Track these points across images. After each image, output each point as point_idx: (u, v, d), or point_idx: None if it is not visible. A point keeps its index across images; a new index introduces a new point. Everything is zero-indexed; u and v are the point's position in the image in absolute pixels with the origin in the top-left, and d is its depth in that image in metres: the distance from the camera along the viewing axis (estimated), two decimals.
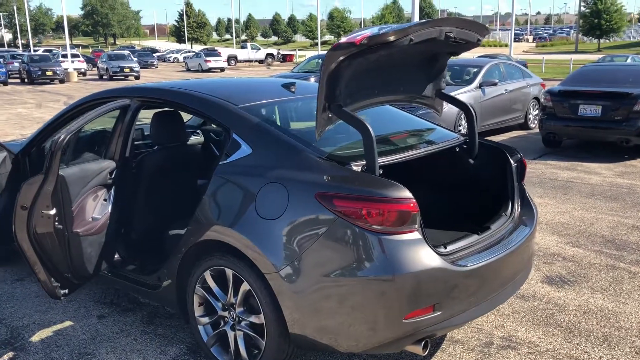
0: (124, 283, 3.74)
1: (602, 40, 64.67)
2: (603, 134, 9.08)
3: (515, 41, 74.22)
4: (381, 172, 2.89)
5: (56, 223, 3.13)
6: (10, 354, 3.50)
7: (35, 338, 3.68)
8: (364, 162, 2.87)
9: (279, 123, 3.51)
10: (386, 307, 2.68)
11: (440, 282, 2.75)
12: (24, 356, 3.47)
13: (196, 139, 5.16)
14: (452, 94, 10.69)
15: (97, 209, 3.47)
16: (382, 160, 2.98)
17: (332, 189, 2.75)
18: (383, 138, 3.40)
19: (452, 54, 3.58)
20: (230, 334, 3.16)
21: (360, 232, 2.67)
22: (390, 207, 2.67)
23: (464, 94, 10.69)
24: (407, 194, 2.71)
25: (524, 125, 12.29)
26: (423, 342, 2.81)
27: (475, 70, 11.55)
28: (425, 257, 2.71)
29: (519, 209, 3.55)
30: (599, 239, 5.43)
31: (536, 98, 12.43)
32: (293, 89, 3.81)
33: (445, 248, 2.92)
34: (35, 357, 3.46)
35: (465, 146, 3.69)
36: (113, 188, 3.60)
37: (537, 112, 12.48)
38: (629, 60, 23.45)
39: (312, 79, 13.38)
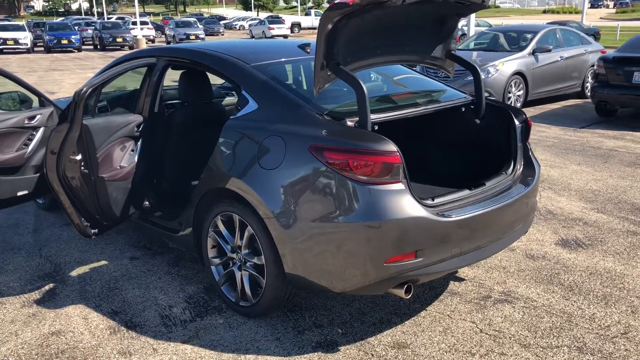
0: (151, 228, 4.10)
1: None
2: None
3: (593, 7, 70.46)
4: (376, 128, 3.07)
5: (82, 168, 3.50)
6: (52, 284, 3.96)
7: (74, 273, 4.13)
8: (357, 118, 3.05)
9: (286, 81, 3.72)
10: (371, 250, 2.89)
11: (423, 230, 2.92)
12: (62, 287, 3.92)
13: (231, 99, 5.45)
14: (502, 60, 10.65)
15: (124, 158, 3.82)
16: (379, 116, 3.15)
17: (324, 141, 2.95)
18: (385, 96, 3.55)
19: (459, 15, 3.66)
20: (238, 274, 3.46)
21: (347, 182, 2.87)
22: (375, 159, 2.86)
23: (515, 60, 10.50)
24: (391, 147, 2.88)
25: (581, 94, 11.93)
26: (406, 286, 3.01)
27: (529, 36, 11.28)
28: (409, 207, 2.89)
29: (521, 168, 3.64)
30: (628, 206, 5.38)
31: (594, 66, 11.99)
32: (308, 50, 4.00)
33: (433, 200, 3.08)
34: (72, 289, 3.89)
35: (472, 106, 3.79)
36: (140, 140, 3.94)
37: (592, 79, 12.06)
38: None
39: None
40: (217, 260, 3.60)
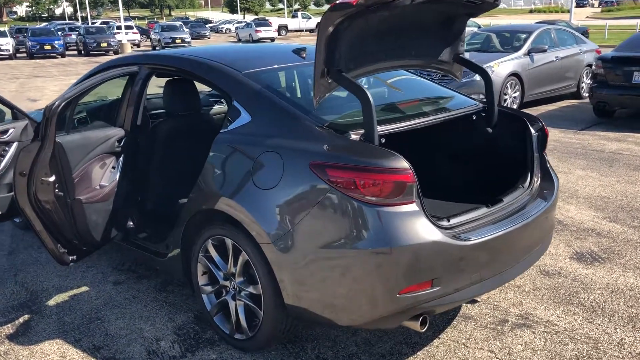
0: (136, 251, 3.76)
1: None
2: None
3: (579, 6, 70.78)
4: (383, 141, 2.76)
5: (56, 190, 3.15)
6: (27, 316, 3.60)
7: (52, 302, 3.77)
8: (363, 131, 2.74)
9: (282, 90, 3.40)
10: (381, 280, 2.57)
11: (440, 256, 2.61)
12: (38, 319, 3.57)
13: (220, 107, 5.11)
14: (498, 61, 10.39)
15: (105, 176, 3.48)
16: (386, 129, 2.84)
17: (327, 158, 2.64)
18: (391, 105, 3.25)
19: (469, 16, 3.36)
20: (232, 304, 3.14)
21: (354, 203, 2.56)
22: (385, 178, 2.55)
23: (511, 61, 10.25)
24: (403, 163, 2.57)
25: (577, 94, 11.71)
26: (421, 318, 2.70)
27: (524, 36, 11.04)
28: (423, 230, 2.58)
29: (539, 181, 3.35)
30: None
31: (590, 65, 11.78)
32: (304, 55, 3.68)
33: (449, 221, 2.77)
34: (49, 320, 3.54)
35: (483, 114, 3.49)
36: (122, 156, 3.60)
37: (590, 80, 11.85)
38: None
39: None
40: (208, 288, 3.27)
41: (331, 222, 2.61)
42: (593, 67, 9.64)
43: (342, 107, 3.25)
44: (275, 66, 3.44)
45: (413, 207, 2.59)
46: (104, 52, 32.24)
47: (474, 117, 3.47)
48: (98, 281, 4.05)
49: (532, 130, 3.34)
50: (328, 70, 2.78)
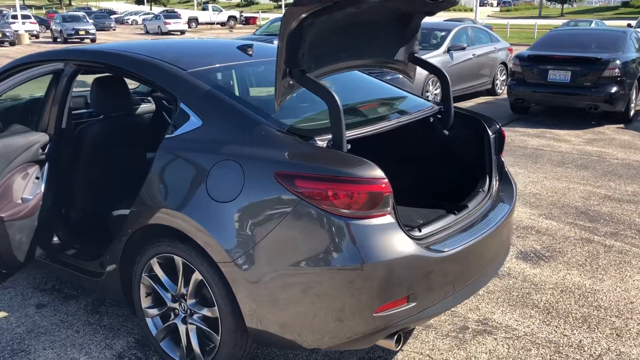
0: (64, 270, 3.35)
1: (565, 5, 64.97)
2: (572, 100, 8.91)
3: (479, 5, 74.06)
4: (349, 147, 2.56)
5: None
6: None
7: None
8: (330, 137, 2.53)
9: (233, 91, 3.13)
10: (355, 299, 2.38)
11: (415, 270, 2.45)
12: None
13: (147, 107, 4.72)
14: None
15: (27, 188, 3.06)
16: (350, 134, 2.64)
17: (294, 167, 2.40)
18: (351, 108, 3.06)
19: (427, 14, 3.22)
20: (182, 328, 2.83)
21: (326, 216, 2.34)
22: (359, 189, 2.35)
23: (432, 58, 10.37)
24: (378, 172, 2.38)
25: (492, 91, 12.09)
26: (396, 336, 2.53)
27: (442, 34, 11.21)
28: (399, 244, 2.41)
29: (497, 184, 3.28)
30: (572, 210, 5.25)
31: (504, 63, 12.22)
32: (250, 52, 3.41)
33: (420, 231, 2.62)
34: None
35: (439, 116, 3.38)
36: (47, 164, 3.18)
37: (504, 77, 12.29)
38: (592, 25, 23.48)
39: (276, 42, 12.87)
40: (154, 311, 2.94)
41: (300, 237, 2.38)
42: (510, 65, 9.96)
43: (298, 109, 3.02)
44: (223, 64, 3.14)
45: (388, 219, 2.42)
46: None
47: (431, 119, 3.35)
48: (18, 305, 3.58)
49: (490, 132, 3.26)
50: (290, 70, 2.54)
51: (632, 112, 9.20)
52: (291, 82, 2.57)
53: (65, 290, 3.76)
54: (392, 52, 3.28)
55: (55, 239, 3.45)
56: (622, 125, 9.02)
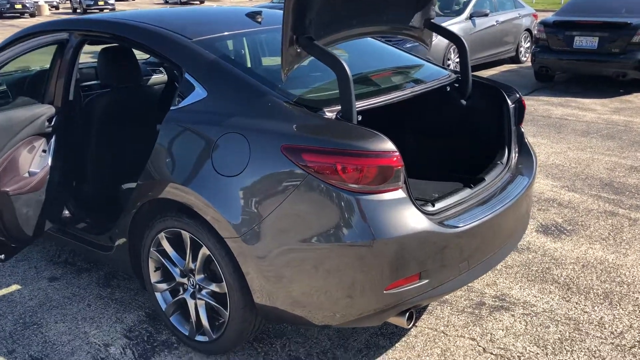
0: (75, 243, 3.33)
1: None
2: (599, 67, 8.60)
3: None
4: (360, 118, 2.46)
5: None
6: None
7: None
8: (339, 108, 2.42)
9: (241, 60, 3.02)
10: (365, 276, 2.30)
11: (427, 246, 2.36)
12: None
13: (159, 77, 4.64)
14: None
15: (35, 162, 3.01)
16: (361, 104, 2.53)
17: (301, 140, 2.31)
18: (362, 77, 2.94)
19: None
20: (191, 303, 2.79)
21: (334, 191, 2.25)
22: (369, 162, 2.25)
23: (454, 25, 10.08)
24: (389, 145, 2.28)
25: (515, 59, 11.75)
26: (408, 314, 2.46)
27: (464, 0, 10.89)
28: (411, 220, 2.32)
29: (517, 156, 3.15)
30: (596, 182, 5.08)
31: (528, 30, 11.84)
32: (259, 19, 3.29)
33: (433, 206, 2.52)
34: None
35: (457, 85, 3.24)
36: (54, 137, 3.13)
37: (528, 44, 11.94)
38: None
39: None
40: (163, 286, 2.91)
41: (307, 212, 2.30)
42: (535, 32, 9.64)
43: (307, 79, 2.91)
44: (231, 33, 3.03)
45: (399, 193, 2.32)
46: (18, 15, 30.00)
47: (448, 89, 3.22)
48: (31, 278, 3.58)
49: (509, 102, 3.12)
50: (297, 38, 2.42)
51: None
52: (298, 50, 2.46)
53: (78, 264, 3.75)
54: (407, 17, 3.14)
55: (66, 212, 3.42)
56: None
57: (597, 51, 8.51)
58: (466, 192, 2.71)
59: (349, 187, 2.25)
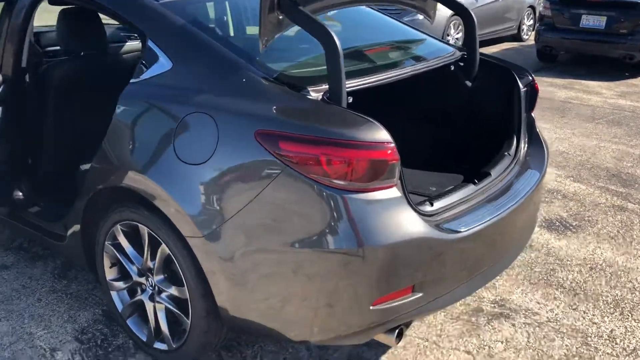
0: (26, 229, 2.96)
1: None
2: (606, 49, 8.20)
3: None
4: (350, 100, 2.08)
5: None
6: None
7: None
8: (327, 87, 2.04)
9: (216, 28, 2.61)
10: (349, 288, 1.95)
11: (423, 255, 2.01)
12: None
13: (134, 44, 4.20)
14: None
15: None
16: (352, 84, 2.15)
17: (279, 125, 1.93)
18: (355, 52, 2.54)
19: None
20: (149, 306, 2.44)
21: (316, 187, 1.88)
22: (359, 155, 1.88)
23: None
24: (383, 135, 1.90)
25: (517, 37, 11.32)
26: (397, 330, 2.12)
27: None
28: (405, 223, 1.96)
29: (526, 147, 2.78)
30: (603, 172, 4.74)
31: (531, 7, 11.39)
32: None
33: (432, 205, 2.16)
34: None
35: (462, 64, 2.86)
36: (1, 109, 2.73)
37: (531, 22, 11.49)
38: None
39: None
40: (119, 285, 2.54)
41: (283, 212, 1.94)
42: (540, 9, 9.21)
43: (292, 52, 2.52)
44: None
45: (393, 192, 1.95)
46: None
47: (452, 68, 2.83)
48: None
49: (520, 85, 2.75)
50: (279, 1, 2.03)
51: None
52: (280, 17, 2.06)
53: (34, 250, 3.38)
54: None
55: (19, 193, 3.04)
56: None
57: (604, 31, 8.11)
58: (469, 189, 2.34)
59: (334, 183, 1.88)
